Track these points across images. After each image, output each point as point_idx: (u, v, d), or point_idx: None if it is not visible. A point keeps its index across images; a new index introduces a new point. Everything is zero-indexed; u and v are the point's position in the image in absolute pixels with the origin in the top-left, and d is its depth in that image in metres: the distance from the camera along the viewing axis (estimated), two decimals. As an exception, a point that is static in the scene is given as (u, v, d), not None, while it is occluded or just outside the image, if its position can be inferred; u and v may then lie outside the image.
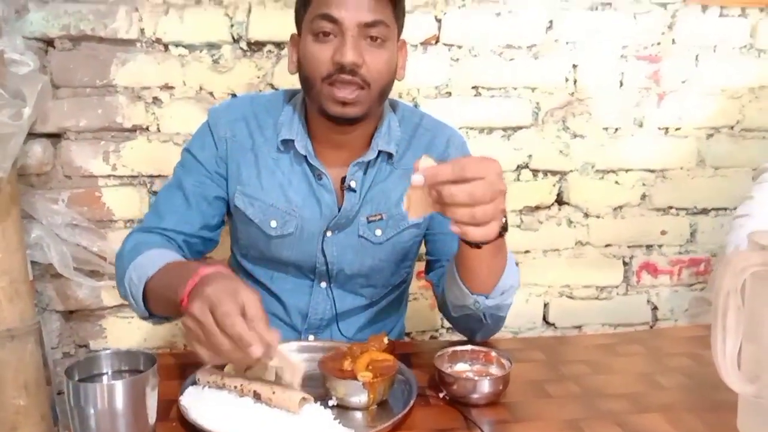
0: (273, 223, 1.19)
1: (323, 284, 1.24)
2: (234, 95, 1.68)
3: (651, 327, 1.99)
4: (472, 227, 0.84)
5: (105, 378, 0.80)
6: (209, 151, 1.20)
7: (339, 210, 1.18)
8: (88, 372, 0.79)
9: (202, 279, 0.85)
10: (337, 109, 1.08)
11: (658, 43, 1.82)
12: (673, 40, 1.83)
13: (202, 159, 1.21)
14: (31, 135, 1.55)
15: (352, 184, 1.17)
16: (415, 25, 1.72)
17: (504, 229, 0.92)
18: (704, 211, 1.95)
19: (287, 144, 1.18)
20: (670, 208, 1.93)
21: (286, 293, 1.24)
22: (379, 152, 1.17)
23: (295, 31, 1.18)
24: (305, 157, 1.16)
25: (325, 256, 1.21)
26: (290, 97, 1.24)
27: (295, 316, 1.25)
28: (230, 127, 1.20)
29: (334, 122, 1.11)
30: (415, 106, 1.72)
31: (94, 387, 0.74)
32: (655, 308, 2.00)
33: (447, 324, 1.89)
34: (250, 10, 1.65)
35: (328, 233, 1.20)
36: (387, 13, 1.08)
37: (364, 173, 1.19)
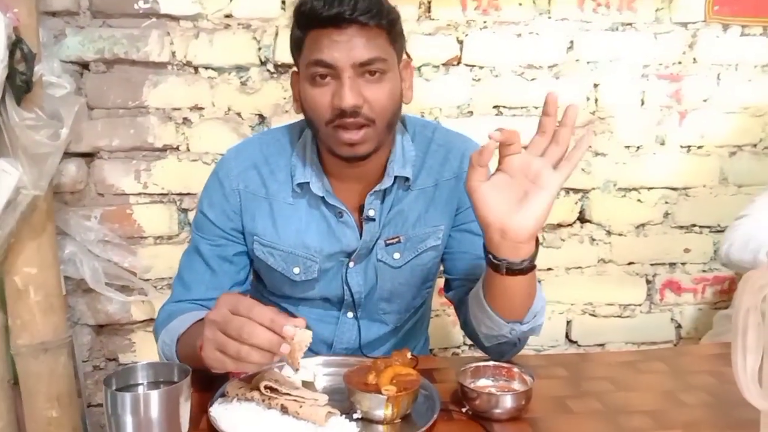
0: (296, 270, 1.17)
1: (350, 314, 1.23)
2: (261, 116, 1.73)
3: (675, 345, 1.98)
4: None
5: (141, 388, 0.83)
6: (220, 208, 1.17)
7: (360, 239, 1.17)
8: (125, 382, 0.82)
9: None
10: (346, 150, 1.05)
11: (680, 62, 1.84)
12: (695, 59, 1.84)
13: (214, 218, 1.17)
14: (66, 154, 1.60)
15: (371, 214, 1.14)
16: (438, 47, 1.76)
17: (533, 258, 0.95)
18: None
19: (303, 186, 1.14)
20: (693, 226, 1.93)
21: (311, 322, 1.20)
22: (395, 177, 1.14)
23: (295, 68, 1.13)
24: (323, 198, 1.14)
25: (350, 287, 1.20)
26: (300, 132, 1.19)
27: (320, 345, 1.22)
28: (242, 178, 1.16)
29: (345, 161, 1.08)
30: (438, 125, 1.75)
31: (131, 396, 0.77)
32: (678, 326, 1.99)
33: (469, 341, 1.90)
34: (277, 34, 1.70)
35: (351, 264, 1.18)
36: (382, 45, 1.03)
37: (382, 201, 1.16)
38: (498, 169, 0.92)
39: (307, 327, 0.83)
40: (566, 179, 0.90)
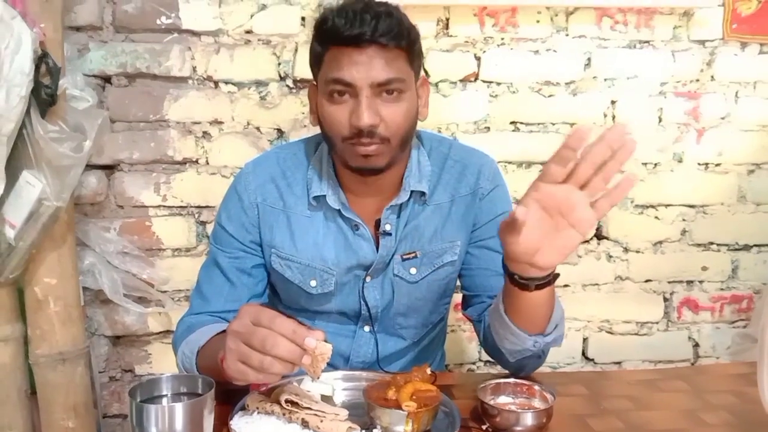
0: (313, 283, 1.18)
1: (366, 328, 1.23)
2: (279, 130, 1.74)
3: (692, 364, 1.96)
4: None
5: (165, 400, 0.84)
6: (238, 221, 1.18)
7: (376, 253, 1.17)
8: (149, 393, 0.83)
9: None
10: (361, 162, 1.06)
11: (697, 80, 1.84)
12: (712, 77, 1.84)
13: (232, 231, 1.18)
14: (87, 166, 1.62)
15: (387, 228, 1.15)
16: (455, 63, 1.77)
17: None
18: (746, 248, 1.93)
19: (319, 199, 1.15)
20: (711, 243, 1.92)
21: (327, 336, 1.22)
22: (411, 192, 1.15)
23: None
24: (339, 210, 1.14)
25: (366, 301, 1.20)
26: (316, 146, 1.20)
27: (336, 359, 1.21)
28: (260, 192, 1.17)
29: (360, 174, 1.09)
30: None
31: (156, 408, 0.77)
32: (696, 345, 1.97)
33: (485, 356, 1.90)
34: (296, 50, 1.72)
35: (368, 278, 1.18)
36: (401, 66, 1.04)
37: (398, 216, 1.16)
38: (533, 197, 0.86)
39: (326, 340, 0.84)
40: (602, 218, 0.88)
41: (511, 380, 1.02)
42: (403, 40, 1.03)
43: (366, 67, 1.01)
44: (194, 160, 1.74)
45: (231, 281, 1.18)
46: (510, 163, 1.81)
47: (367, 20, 0.99)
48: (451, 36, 1.76)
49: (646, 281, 1.92)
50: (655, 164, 1.86)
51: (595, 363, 1.94)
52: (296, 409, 0.92)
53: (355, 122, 1.02)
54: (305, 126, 1.73)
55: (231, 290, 1.18)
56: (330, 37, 1.03)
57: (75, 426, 1.59)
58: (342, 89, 1.03)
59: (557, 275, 0.95)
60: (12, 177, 1.41)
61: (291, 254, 1.17)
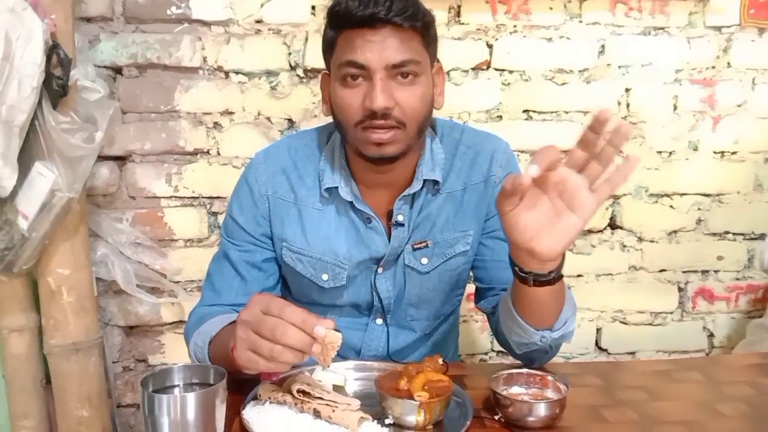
0: (324, 276, 1.17)
1: (379, 321, 1.22)
2: (290, 120, 1.74)
3: (707, 354, 1.95)
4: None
5: (177, 390, 0.84)
6: (249, 213, 1.17)
7: (388, 245, 1.15)
8: (162, 384, 0.83)
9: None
10: (374, 151, 1.04)
11: (713, 67, 1.81)
12: (729, 64, 1.81)
13: (243, 223, 1.17)
14: (99, 157, 1.62)
15: (400, 219, 1.13)
16: (467, 51, 1.75)
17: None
18: (762, 237, 1.91)
19: (331, 191, 1.14)
20: (727, 233, 1.90)
21: (339, 328, 1.21)
22: (424, 181, 1.13)
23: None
24: (351, 203, 1.13)
25: (378, 293, 1.19)
26: (328, 136, 1.18)
27: (348, 352, 1.20)
28: (271, 183, 1.16)
29: (373, 163, 1.07)
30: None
31: (168, 398, 0.77)
32: (711, 335, 1.95)
33: (497, 347, 1.89)
34: (307, 39, 1.71)
35: (379, 270, 1.17)
36: (416, 47, 1.02)
37: (411, 206, 1.14)
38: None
39: (336, 329, 0.84)
40: (602, 203, 0.85)
41: (524, 371, 1.01)
42: (417, 21, 1.01)
43: (380, 47, 0.99)
44: (205, 150, 1.74)
45: (241, 275, 1.18)
46: (523, 152, 1.79)
47: (381, 1, 0.98)
48: (462, 24, 1.74)
49: (661, 271, 1.90)
50: (670, 152, 1.84)
51: (609, 353, 1.93)
52: (308, 399, 0.92)
53: (369, 105, 1.00)
54: (316, 116, 1.73)
55: (241, 284, 1.17)
56: (343, 19, 1.02)
57: (89, 415, 1.60)
58: (355, 72, 1.01)
59: (560, 276, 0.94)
60: (24, 168, 1.42)
61: (302, 248, 1.16)
